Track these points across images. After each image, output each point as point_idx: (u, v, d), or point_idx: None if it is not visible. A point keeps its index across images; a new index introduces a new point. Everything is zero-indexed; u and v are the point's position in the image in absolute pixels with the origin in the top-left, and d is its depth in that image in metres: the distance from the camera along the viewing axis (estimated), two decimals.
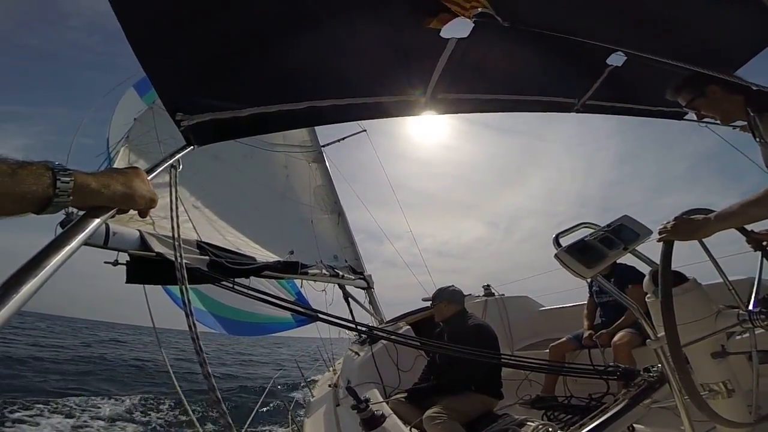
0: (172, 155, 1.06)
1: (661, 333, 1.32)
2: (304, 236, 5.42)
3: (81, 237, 0.54)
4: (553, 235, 1.67)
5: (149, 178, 0.72)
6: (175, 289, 4.91)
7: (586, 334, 2.91)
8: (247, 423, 4.03)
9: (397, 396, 2.57)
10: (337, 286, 5.44)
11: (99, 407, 7.96)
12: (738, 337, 1.61)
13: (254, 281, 2.93)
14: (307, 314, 2.50)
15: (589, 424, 1.47)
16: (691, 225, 1.33)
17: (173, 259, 2.02)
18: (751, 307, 1.30)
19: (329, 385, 3.87)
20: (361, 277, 5.67)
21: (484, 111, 1.91)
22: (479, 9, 1.18)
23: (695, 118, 2.67)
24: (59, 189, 0.51)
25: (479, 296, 4.51)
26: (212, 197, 4.21)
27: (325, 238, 5.79)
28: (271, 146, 5.68)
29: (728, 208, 1.29)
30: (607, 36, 1.48)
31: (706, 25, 1.67)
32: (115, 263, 1.98)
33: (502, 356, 2.21)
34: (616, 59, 1.88)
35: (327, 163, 6.57)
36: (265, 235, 4.49)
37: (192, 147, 1.22)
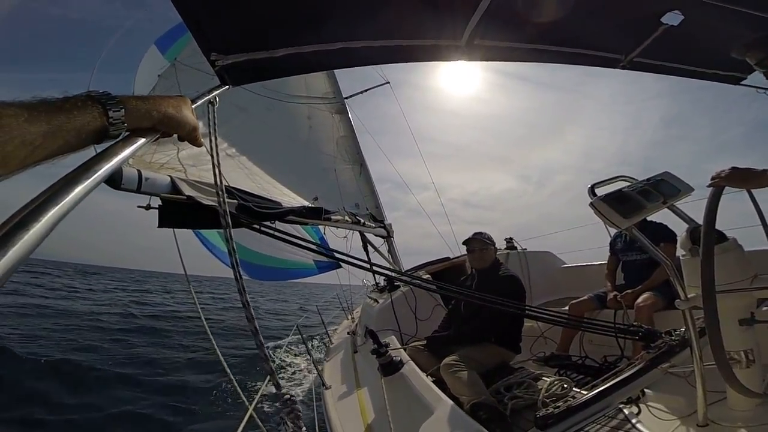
0: (210, 91, 1.04)
1: (692, 294, 1.30)
2: (327, 185, 5.47)
3: (124, 155, 0.52)
4: (589, 185, 1.61)
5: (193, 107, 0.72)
6: (207, 233, 5.16)
7: (610, 296, 2.84)
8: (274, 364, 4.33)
9: (415, 343, 2.63)
10: (358, 234, 5.56)
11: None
12: (765, 308, 1.57)
13: (281, 228, 3.01)
14: (331, 256, 2.56)
15: (605, 384, 1.49)
16: (745, 173, 1.30)
17: (204, 202, 2.08)
18: None
19: (348, 333, 4.07)
20: (382, 225, 5.75)
21: (522, 60, 1.77)
22: None
23: (751, 83, 2.44)
24: (112, 119, 0.50)
25: (501, 249, 4.48)
26: (239, 147, 4.25)
27: (348, 187, 5.84)
28: (294, 98, 5.63)
29: None
30: None
31: None
32: (148, 207, 2.03)
33: (527, 308, 2.20)
34: (673, 18, 1.68)
35: (350, 115, 6.49)
36: (290, 182, 4.54)
37: (227, 86, 1.20)
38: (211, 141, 1.06)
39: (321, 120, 6.15)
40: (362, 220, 5.03)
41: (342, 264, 2.41)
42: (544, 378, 1.93)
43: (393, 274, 2.67)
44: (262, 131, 5.01)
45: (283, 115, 5.39)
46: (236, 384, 2.03)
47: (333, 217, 4.33)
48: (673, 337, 1.66)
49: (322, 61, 1.41)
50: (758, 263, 1.39)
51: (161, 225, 2.03)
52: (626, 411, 1.40)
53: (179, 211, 2.09)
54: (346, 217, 4.61)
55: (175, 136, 0.66)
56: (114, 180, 1.89)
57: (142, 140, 0.57)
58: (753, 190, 1.41)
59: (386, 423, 1.76)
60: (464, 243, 2.78)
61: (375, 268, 2.47)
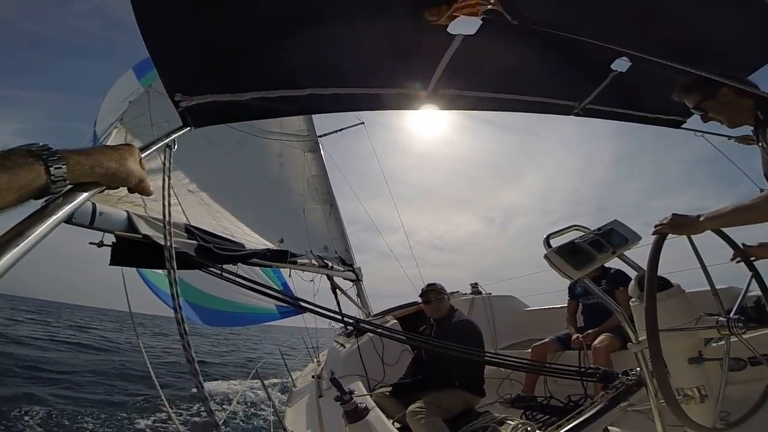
0: (168, 135, 1.04)
1: (643, 337, 1.35)
2: (295, 225, 5.39)
3: (64, 212, 0.51)
4: (544, 236, 1.69)
5: (143, 155, 0.72)
6: (151, 275, 4.83)
7: (574, 336, 2.94)
8: (229, 409, 4.02)
9: (382, 390, 2.57)
10: (325, 277, 5.45)
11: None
12: (714, 345, 1.65)
13: (240, 270, 2.91)
14: (294, 304, 2.48)
15: (567, 425, 1.49)
16: (684, 220, 1.40)
17: (160, 242, 2.00)
18: (731, 315, 1.34)
19: (312, 376, 3.88)
20: (351, 269, 5.67)
21: (484, 109, 1.91)
22: (488, 6, 1.18)
23: (692, 126, 2.71)
24: (54, 176, 0.49)
25: (466, 294, 4.55)
26: (204, 182, 4.17)
27: (316, 228, 5.78)
28: (267, 134, 5.64)
29: (720, 209, 1.35)
30: (614, 40, 1.49)
31: (717, 29, 1.66)
32: (100, 244, 1.93)
33: (486, 353, 2.23)
34: (621, 65, 1.89)
35: (322, 154, 6.56)
36: (255, 223, 4.47)
37: (189, 128, 1.20)
38: (163, 188, 1.05)
39: (293, 158, 6.15)
40: (330, 264, 4.97)
41: (307, 311, 2.35)
42: (508, 422, 1.90)
43: (359, 324, 2.63)
44: (232, 166, 4.94)
45: (254, 150, 5.33)
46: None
47: (299, 260, 4.25)
48: (629, 377, 1.70)
49: (290, 106, 1.45)
50: (705, 302, 1.49)
51: (113, 263, 1.93)
52: None
53: (134, 249, 1.99)
54: (313, 261, 4.54)
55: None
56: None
57: (84, 195, 0.56)
58: (693, 236, 1.51)
59: None
60: (420, 295, 2.87)
61: (343, 314, 2.42)
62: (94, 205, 1.88)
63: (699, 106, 1.49)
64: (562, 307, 3.72)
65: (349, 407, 2.07)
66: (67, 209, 0.52)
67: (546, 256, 1.54)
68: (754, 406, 1.36)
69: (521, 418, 2.36)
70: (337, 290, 5.61)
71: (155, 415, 7.11)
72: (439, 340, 2.20)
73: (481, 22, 1.26)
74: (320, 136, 6.72)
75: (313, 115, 6.48)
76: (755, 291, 1.61)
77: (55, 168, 0.49)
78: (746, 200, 1.29)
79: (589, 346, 2.71)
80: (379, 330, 2.38)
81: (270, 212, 5.11)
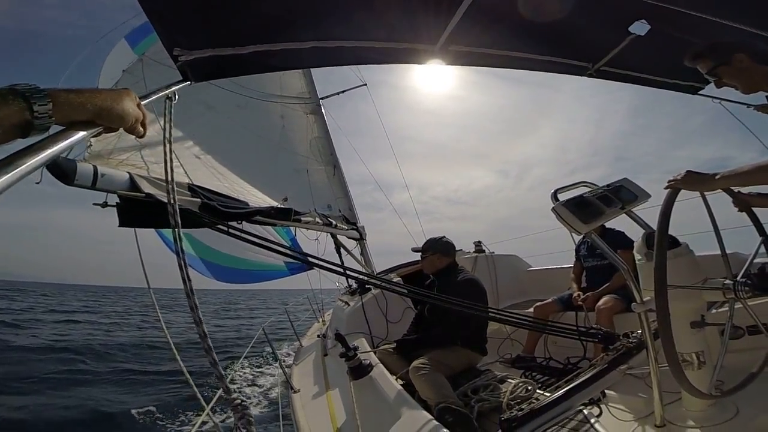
0: (169, 86, 1.00)
1: (647, 297, 1.35)
2: (299, 185, 5.38)
3: (57, 149, 0.50)
4: (552, 191, 1.65)
5: (144, 102, 0.71)
6: (168, 233, 4.93)
7: (574, 295, 2.95)
8: (234, 368, 4.20)
9: (385, 347, 2.62)
10: (329, 236, 5.50)
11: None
12: (714, 311, 1.65)
13: (250, 228, 2.92)
14: (302, 259, 2.51)
15: (566, 386, 1.52)
16: (698, 177, 1.37)
17: (164, 200, 1.99)
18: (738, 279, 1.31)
19: (318, 335, 4.01)
20: (354, 227, 5.70)
21: (494, 66, 1.82)
22: None
23: (709, 93, 2.58)
24: (37, 112, 0.47)
25: (470, 252, 4.57)
26: (205, 145, 4.13)
27: (320, 188, 5.78)
28: (268, 96, 5.52)
29: (736, 168, 1.31)
30: (632, 4, 1.36)
31: None
32: (104, 205, 1.94)
33: (490, 310, 2.22)
34: (640, 27, 1.77)
35: (325, 115, 6.42)
36: (259, 183, 4.44)
37: (189, 82, 1.15)
38: (165, 137, 1.01)
39: (295, 120, 6.05)
40: (334, 222, 4.99)
41: (313, 266, 2.38)
42: (509, 380, 1.95)
43: (364, 278, 2.65)
44: (232, 130, 4.88)
45: (255, 113, 5.24)
46: (195, 387, 1.94)
47: (303, 219, 4.27)
48: (630, 339, 1.70)
49: (292, 59, 1.38)
50: (709, 268, 1.46)
51: (122, 224, 1.94)
52: (587, 412, 1.43)
53: (138, 209, 1.99)
54: (317, 219, 4.56)
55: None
56: (66, 176, 1.80)
57: (81, 134, 0.54)
58: (708, 195, 1.46)
59: (355, 426, 1.74)
60: (413, 250, 2.80)
61: (347, 271, 2.43)
62: (95, 167, 1.89)
63: (713, 71, 1.42)
64: (564, 267, 3.75)
65: (354, 363, 2.13)
66: (58, 147, 0.51)
67: (554, 209, 1.51)
68: (751, 375, 1.35)
69: (521, 378, 2.44)
70: (341, 248, 5.67)
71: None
72: (442, 295, 2.15)
73: None
74: (322, 99, 6.54)
75: (314, 78, 6.45)
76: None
77: (39, 105, 0.47)
78: (764, 160, 1.24)
79: (590, 308, 2.72)
80: (383, 284, 2.39)
81: (273, 173, 5.09)
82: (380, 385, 1.92)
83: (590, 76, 2.13)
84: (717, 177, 1.34)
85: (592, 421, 1.36)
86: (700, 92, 2.49)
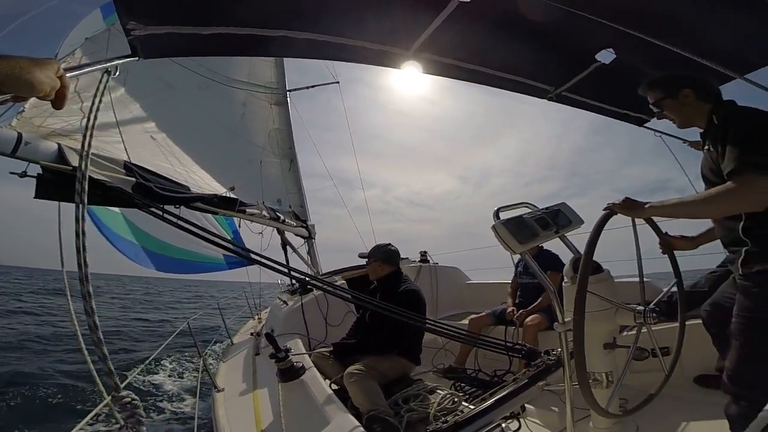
0: (110, 60, 0.92)
1: (568, 318, 1.42)
2: (250, 176, 5.20)
3: None
4: (495, 209, 1.73)
5: (75, 74, 0.70)
6: (107, 218, 4.53)
7: (508, 310, 3.12)
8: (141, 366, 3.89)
9: (322, 350, 2.57)
10: (275, 232, 5.33)
11: None
12: (625, 333, 1.81)
13: (191, 216, 2.75)
14: (243, 254, 2.39)
15: (489, 399, 1.58)
16: (633, 204, 1.47)
17: (93, 176, 1.82)
18: (648, 306, 1.45)
19: (251, 333, 3.84)
20: (303, 225, 5.57)
21: (462, 78, 1.87)
22: None
23: (653, 126, 2.82)
24: None
25: (415, 261, 4.66)
26: (159, 123, 3.98)
27: (272, 181, 5.62)
28: (232, 82, 5.35)
29: (666, 201, 1.42)
30: (604, 32, 1.46)
31: (714, 28, 1.67)
32: (23, 174, 1.79)
33: (427, 321, 2.26)
34: (606, 56, 1.89)
35: (290, 108, 6.27)
36: (208, 168, 4.28)
37: (137, 58, 1.07)
38: (91, 109, 0.94)
39: (257, 109, 5.86)
40: (282, 217, 4.84)
41: (254, 262, 2.27)
42: (438, 391, 1.99)
43: (307, 278, 2.57)
44: (189, 110, 4.67)
45: (216, 97, 5.06)
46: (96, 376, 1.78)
47: (249, 210, 4.10)
48: (550, 357, 1.81)
49: (259, 46, 1.33)
50: (629, 293, 1.60)
51: (38, 195, 1.78)
52: (504, 426, 1.49)
53: (62, 182, 1.81)
54: (264, 212, 4.40)
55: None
56: None
57: None
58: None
59: (279, 429, 1.68)
60: (359, 255, 2.80)
61: (291, 268, 2.35)
62: (20, 134, 1.76)
63: (659, 103, 1.52)
64: (501, 282, 3.93)
65: (284, 365, 2.06)
66: None
67: (493, 227, 1.57)
68: (650, 396, 1.49)
69: (451, 389, 2.50)
70: (287, 246, 5.51)
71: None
72: (384, 303, 2.14)
73: None
74: (290, 91, 6.40)
75: (285, 70, 6.30)
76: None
77: None
78: (687, 197, 1.36)
79: (520, 324, 2.89)
80: (326, 287, 2.34)
81: (225, 161, 4.89)
82: (311, 389, 1.88)
83: (550, 99, 2.25)
84: (647, 206, 1.44)
85: None
86: (645, 124, 2.73)
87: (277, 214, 4.74)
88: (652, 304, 1.48)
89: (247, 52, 1.36)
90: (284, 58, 5.96)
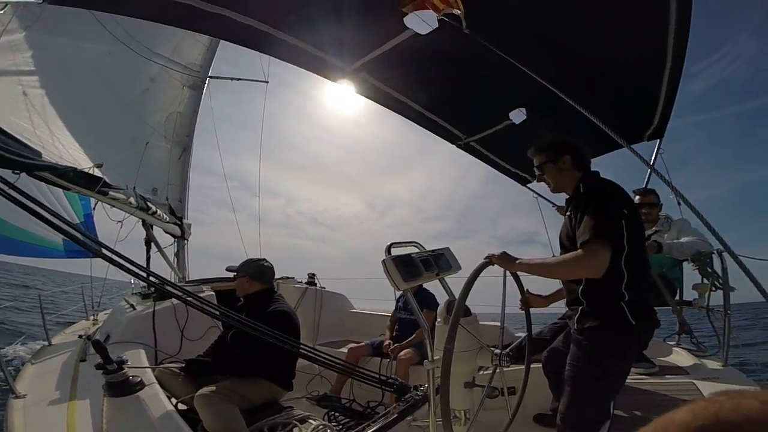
0: None
1: (437, 356, 1.50)
2: (128, 157, 4.54)
3: None
4: (387, 244, 1.78)
5: None
6: None
7: (385, 342, 3.19)
8: None
9: (170, 365, 2.22)
10: (141, 224, 4.58)
11: None
12: (481, 373, 1.98)
13: (35, 187, 2.23)
14: (89, 246, 1.96)
15: None
16: (508, 257, 1.59)
17: None
18: (502, 350, 1.60)
19: (80, 336, 3.12)
20: (178, 222, 4.94)
21: (390, 108, 1.95)
22: (453, 10, 1.20)
23: (532, 187, 3.15)
24: None
25: (301, 282, 4.51)
26: (39, 78, 3.59)
27: (154, 167, 4.95)
28: (151, 54, 4.78)
29: (532, 260, 1.57)
30: (522, 90, 1.61)
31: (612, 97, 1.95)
32: None
33: (303, 347, 2.11)
34: (518, 116, 2.15)
35: (205, 96, 5.75)
36: (81, 138, 3.78)
37: (41, 1, 0.86)
38: None
39: (165, 87, 5.26)
40: (154, 209, 4.22)
41: (101, 257, 1.86)
42: (310, 420, 1.86)
43: (164, 286, 2.14)
44: (84, 74, 4.14)
45: (123, 65, 4.53)
46: None
47: (112, 192, 3.53)
48: (417, 393, 1.87)
49: (193, 20, 1.18)
50: (485, 337, 1.72)
51: None
52: None
53: None
54: (132, 199, 3.80)
55: None
56: None
57: None
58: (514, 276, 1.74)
59: None
60: (227, 269, 2.57)
61: (149, 271, 1.98)
62: None
63: (541, 166, 1.70)
64: (382, 314, 3.99)
65: (115, 378, 1.71)
66: None
67: (383, 262, 1.62)
68: None
69: (324, 418, 2.36)
70: (152, 243, 4.76)
71: None
72: (253, 322, 1.93)
73: (436, 25, 1.27)
74: (212, 77, 5.87)
75: (217, 58, 5.88)
76: None
77: None
78: (548, 259, 1.57)
79: (394, 358, 2.97)
80: (188, 298, 1.98)
81: (104, 134, 4.30)
82: (148, 408, 1.58)
83: (459, 146, 2.46)
84: (517, 262, 1.57)
85: None
86: (527, 185, 3.13)
87: (148, 204, 4.15)
88: (507, 349, 1.65)
89: (179, 23, 1.19)
90: (219, 45, 5.52)
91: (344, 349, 3.32)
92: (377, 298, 4.46)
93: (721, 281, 2.50)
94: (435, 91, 1.98)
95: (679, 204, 3.03)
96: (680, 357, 2.56)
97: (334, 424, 2.36)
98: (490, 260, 1.59)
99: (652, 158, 2.82)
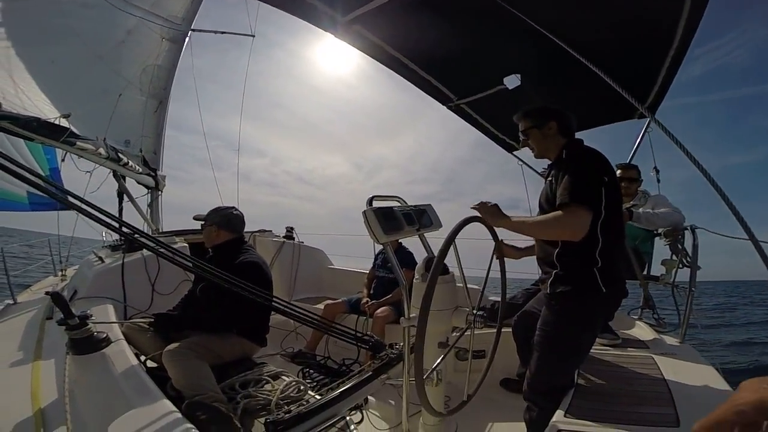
0: None
1: (414, 314, 1.46)
2: (99, 107, 4.32)
3: None
4: (369, 196, 1.73)
5: None
6: None
7: (363, 300, 3.19)
8: None
9: (139, 320, 2.14)
10: (113, 177, 4.38)
11: None
12: (454, 334, 2.01)
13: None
14: (57, 195, 1.83)
15: (334, 391, 1.54)
16: (493, 211, 1.51)
17: None
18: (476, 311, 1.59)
19: (47, 293, 3.00)
20: (152, 174, 4.75)
21: (382, 62, 1.88)
22: None
23: (518, 155, 3.12)
24: None
25: (279, 236, 4.42)
26: (6, 29, 3.53)
27: (126, 118, 4.73)
28: (128, 6, 4.50)
29: (516, 218, 1.52)
30: (519, 56, 1.54)
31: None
32: None
33: (278, 302, 2.03)
34: (513, 81, 2.09)
35: (186, 50, 5.44)
36: (45, 89, 3.61)
37: None
38: None
39: (143, 40, 4.97)
40: (125, 159, 4.03)
41: (71, 207, 1.74)
42: (283, 377, 1.84)
43: (134, 236, 2.02)
44: (56, 24, 3.99)
45: (100, 18, 4.32)
46: None
47: (79, 143, 3.35)
48: (393, 351, 1.86)
49: None
50: (460, 297, 1.71)
51: None
52: (349, 418, 1.46)
53: None
54: (101, 150, 3.61)
55: None
56: None
57: None
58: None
59: (63, 411, 1.32)
60: (194, 218, 2.45)
61: (121, 221, 1.87)
62: None
63: (526, 131, 1.69)
64: (360, 271, 3.99)
65: (79, 335, 1.63)
66: None
67: (364, 213, 1.57)
68: (468, 396, 1.62)
69: (298, 375, 2.36)
70: (124, 195, 4.54)
71: None
72: (225, 274, 1.83)
73: None
74: (194, 30, 5.51)
75: (201, 15, 5.56)
76: None
77: None
78: (529, 218, 1.54)
79: (370, 314, 2.97)
80: (159, 248, 1.89)
81: (74, 85, 4.10)
82: (113, 366, 1.52)
83: (449, 107, 2.39)
84: (505, 218, 1.51)
85: (352, 428, 1.39)
86: (513, 152, 3.10)
87: (119, 155, 3.95)
88: (481, 311, 1.64)
89: None
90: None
91: (320, 306, 3.29)
92: (357, 255, 4.41)
93: (689, 258, 2.55)
94: (431, 50, 1.90)
95: (658, 182, 3.12)
96: (642, 331, 2.65)
97: (308, 381, 2.35)
98: (478, 213, 1.52)
99: (640, 136, 2.83)
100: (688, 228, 2.56)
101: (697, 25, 1.65)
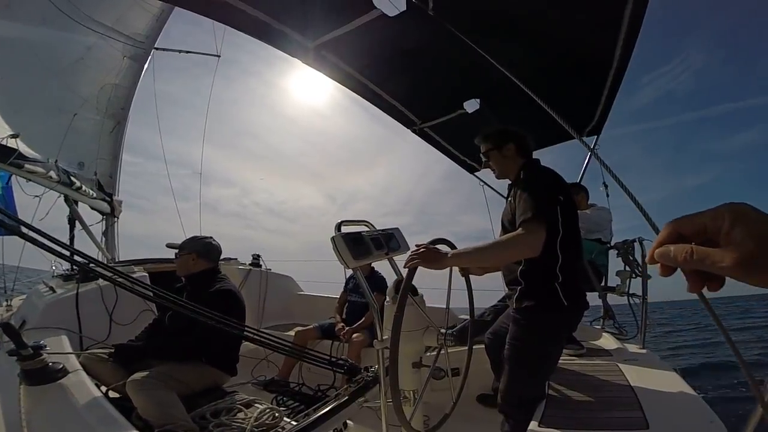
0: None
1: (386, 336, 1.49)
2: (52, 128, 4.11)
3: None
4: (338, 221, 1.74)
5: None
6: None
7: (338, 326, 3.16)
8: None
9: (97, 351, 2.03)
10: (63, 200, 4.11)
11: None
12: (428, 354, 2.03)
13: None
14: (4, 223, 1.71)
15: (311, 416, 1.52)
16: (432, 257, 1.45)
17: None
18: (447, 331, 1.63)
19: None
20: (107, 199, 4.50)
21: (349, 87, 1.92)
22: None
23: (479, 176, 3.23)
24: None
25: (245, 264, 4.32)
26: None
27: (81, 140, 4.50)
28: (91, 23, 4.33)
29: (466, 249, 1.48)
30: (478, 82, 1.62)
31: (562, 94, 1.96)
32: None
33: (248, 329, 1.96)
34: (472, 105, 2.20)
35: (146, 68, 5.24)
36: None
37: None
38: None
39: (102, 57, 4.76)
40: (78, 183, 3.81)
41: (18, 234, 1.61)
42: (256, 405, 1.78)
43: (89, 266, 1.89)
44: (16, 41, 3.80)
45: (57, 33, 4.12)
46: None
47: (28, 166, 3.18)
48: (368, 374, 1.86)
49: None
50: (435, 318, 1.74)
51: None
52: None
53: None
54: (52, 173, 3.41)
55: None
56: None
57: None
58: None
59: None
60: (167, 246, 2.43)
61: (74, 249, 1.75)
62: None
63: (487, 152, 1.75)
64: (331, 297, 3.95)
65: (32, 365, 1.53)
66: None
67: (333, 239, 1.57)
68: (445, 416, 1.66)
69: (272, 403, 2.27)
70: (76, 221, 4.26)
71: None
72: (193, 304, 1.78)
73: (404, 6, 1.25)
74: (157, 49, 5.35)
75: (165, 33, 5.37)
76: None
77: None
78: (483, 243, 1.50)
79: (346, 340, 2.96)
80: (117, 278, 1.78)
81: (25, 103, 3.90)
82: (73, 396, 1.44)
83: (414, 131, 2.48)
84: (449, 256, 1.47)
85: None
86: (475, 173, 3.21)
87: (71, 179, 3.73)
88: (451, 330, 1.68)
89: None
90: (171, 16, 5.08)
91: (291, 333, 3.23)
92: (328, 281, 4.37)
93: (640, 269, 2.74)
94: (395, 75, 1.98)
95: (607, 196, 3.35)
96: (605, 340, 2.78)
97: (283, 408, 2.28)
98: (411, 266, 1.42)
99: (588, 154, 3.03)
100: (637, 240, 2.76)
101: (630, 54, 1.83)
